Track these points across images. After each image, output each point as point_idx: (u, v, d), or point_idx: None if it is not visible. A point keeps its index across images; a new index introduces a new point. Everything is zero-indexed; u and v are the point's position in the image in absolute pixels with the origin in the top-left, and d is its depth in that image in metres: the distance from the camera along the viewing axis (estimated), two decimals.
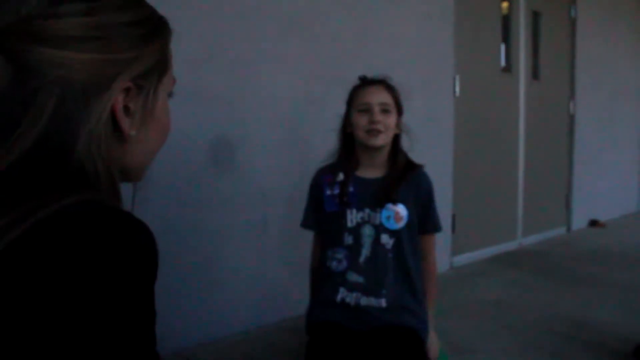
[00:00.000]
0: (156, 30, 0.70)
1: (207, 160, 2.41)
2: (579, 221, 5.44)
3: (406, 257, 1.71)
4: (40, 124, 0.59)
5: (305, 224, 1.85)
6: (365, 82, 1.77)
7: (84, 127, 0.61)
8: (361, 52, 3.01)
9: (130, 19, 0.66)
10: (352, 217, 1.71)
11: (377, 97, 1.70)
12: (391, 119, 1.70)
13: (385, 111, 1.70)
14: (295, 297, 2.41)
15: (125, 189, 0.70)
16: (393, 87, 1.75)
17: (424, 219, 1.77)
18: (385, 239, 1.69)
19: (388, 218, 1.69)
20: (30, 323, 0.52)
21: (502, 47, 4.39)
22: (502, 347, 2.39)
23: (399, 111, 1.75)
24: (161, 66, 0.71)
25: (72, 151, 0.61)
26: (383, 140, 1.70)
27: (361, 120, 1.70)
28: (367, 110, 1.69)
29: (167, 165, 2.23)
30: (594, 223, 5.56)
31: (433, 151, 3.57)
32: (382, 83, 1.75)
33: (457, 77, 3.78)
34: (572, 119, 5.27)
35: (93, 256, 0.54)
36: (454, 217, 3.84)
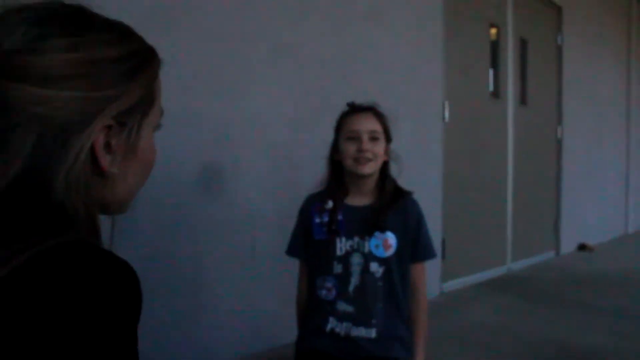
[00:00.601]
0: (143, 63, 0.69)
1: (195, 185, 2.39)
2: (568, 245, 5.46)
3: (396, 286, 1.69)
4: (18, 162, 0.58)
5: (290, 252, 1.83)
6: (354, 109, 1.75)
7: (62, 165, 0.59)
8: (350, 78, 3.03)
9: (116, 54, 0.65)
10: (342, 245, 1.69)
11: (366, 124, 1.69)
12: (380, 147, 1.69)
13: (374, 139, 1.68)
14: (284, 325, 2.37)
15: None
16: (382, 114, 1.74)
17: (414, 247, 1.74)
18: (375, 267, 1.67)
19: (377, 247, 1.67)
20: None
21: (491, 73, 4.44)
22: None
23: (388, 138, 1.74)
24: (147, 101, 0.69)
25: (51, 190, 0.59)
26: (371, 168, 1.68)
27: (349, 148, 1.68)
28: (356, 138, 1.67)
29: (155, 190, 2.21)
30: (582, 247, 5.57)
31: (423, 176, 3.58)
32: (371, 110, 1.73)
33: (446, 103, 3.81)
34: (559, 143, 5.32)
35: (74, 301, 0.53)
36: (443, 242, 3.83)
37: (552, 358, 2.53)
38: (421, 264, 1.78)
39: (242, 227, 2.56)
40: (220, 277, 2.48)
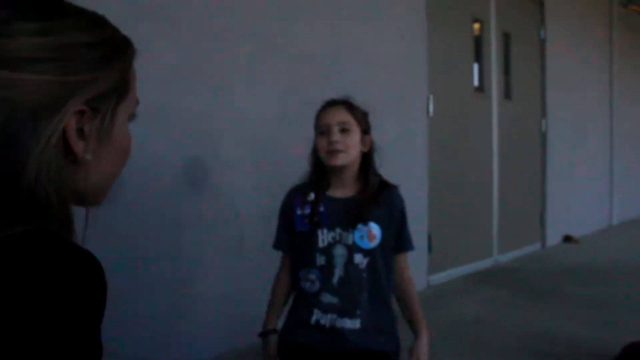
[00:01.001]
0: (117, 51, 0.68)
1: (180, 181, 2.39)
2: (553, 237, 5.51)
3: (380, 277, 1.71)
4: None
5: (278, 246, 1.84)
6: (326, 105, 1.77)
7: (32, 150, 0.58)
8: (335, 72, 3.04)
9: (88, 39, 0.64)
10: (324, 237, 1.70)
11: (336, 117, 1.70)
12: (352, 138, 1.69)
13: (344, 130, 1.68)
14: None
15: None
16: (354, 106, 1.74)
17: (399, 238, 1.76)
18: (359, 258, 1.68)
19: (361, 237, 1.68)
20: None
21: (475, 67, 4.46)
22: None
23: (365, 129, 1.74)
24: (121, 88, 0.69)
25: (20, 176, 0.58)
26: (343, 159, 1.68)
27: (322, 142, 1.70)
28: (327, 131, 1.69)
29: (140, 186, 2.21)
30: (568, 239, 5.63)
31: (408, 170, 3.60)
32: (342, 103, 1.73)
33: (431, 97, 3.83)
34: (544, 136, 5.36)
35: (33, 293, 0.52)
36: (429, 236, 3.85)
37: (538, 349, 2.56)
38: (405, 254, 1.81)
39: (227, 223, 2.56)
40: (206, 272, 2.48)
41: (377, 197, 1.72)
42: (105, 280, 0.59)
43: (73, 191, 0.66)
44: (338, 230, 1.69)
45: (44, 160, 0.59)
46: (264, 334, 1.81)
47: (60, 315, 0.53)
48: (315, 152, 1.77)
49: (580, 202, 5.98)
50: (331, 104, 1.75)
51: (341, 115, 1.70)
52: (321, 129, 1.72)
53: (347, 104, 1.73)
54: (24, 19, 0.60)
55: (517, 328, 2.88)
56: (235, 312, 2.59)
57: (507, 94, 4.87)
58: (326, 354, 1.66)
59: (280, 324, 1.83)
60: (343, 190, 1.75)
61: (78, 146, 0.64)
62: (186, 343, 2.41)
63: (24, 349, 0.51)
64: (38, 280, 0.53)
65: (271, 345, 1.78)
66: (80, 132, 0.64)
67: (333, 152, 1.68)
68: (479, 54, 4.48)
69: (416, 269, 3.83)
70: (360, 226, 1.68)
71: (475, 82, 4.48)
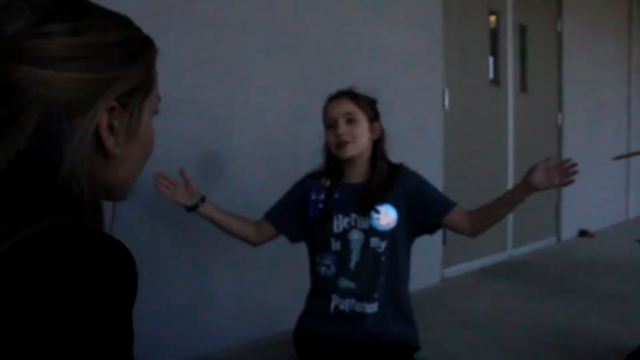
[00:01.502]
0: (141, 50, 0.71)
1: (195, 174, 2.39)
2: (569, 231, 5.47)
3: (399, 260, 1.72)
4: (22, 141, 0.59)
5: (268, 214, 1.89)
6: (330, 98, 1.78)
7: (68, 146, 0.61)
8: (349, 66, 3.04)
9: (114, 39, 0.67)
10: (339, 222, 1.71)
11: (340, 109, 1.70)
12: (359, 128, 1.70)
13: (351, 121, 1.69)
14: (287, 310, 2.40)
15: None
16: (358, 95, 1.74)
17: (432, 205, 1.75)
18: (376, 242, 1.69)
19: (377, 220, 1.69)
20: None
21: (491, 60, 4.43)
22: (494, 359, 2.39)
23: (372, 117, 1.74)
24: (146, 85, 0.72)
25: (56, 170, 0.60)
26: (353, 150, 1.70)
27: (330, 136, 1.72)
28: (334, 124, 1.71)
29: (154, 179, 2.22)
30: (583, 233, 5.59)
31: (423, 164, 3.58)
32: (346, 94, 1.74)
33: (446, 91, 3.81)
34: (560, 130, 5.32)
35: (70, 281, 0.54)
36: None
37: (553, 343, 2.55)
38: (453, 210, 1.75)
39: (242, 215, 2.57)
40: (220, 265, 2.50)
41: (391, 181, 1.72)
42: (136, 270, 0.61)
43: (102, 185, 0.69)
44: (353, 215, 1.70)
45: (78, 155, 0.62)
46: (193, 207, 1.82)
47: (94, 304, 0.55)
48: (327, 146, 1.79)
49: (596, 196, 5.93)
50: (335, 96, 1.76)
51: (346, 106, 1.70)
52: (328, 123, 1.73)
53: (351, 94, 1.73)
54: (55, 20, 0.62)
55: (532, 321, 2.87)
56: (249, 304, 2.61)
57: (523, 86, 4.83)
58: (343, 347, 1.67)
59: (216, 212, 1.87)
60: (357, 177, 1.76)
61: (109, 141, 0.67)
62: (201, 335, 2.43)
63: (60, 336, 0.52)
64: (74, 271, 0.55)
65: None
66: (111, 127, 0.67)
67: (341, 145, 1.69)
68: (494, 47, 4.45)
69: (430, 262, 3.86)
70: (376, 208, 1.69)
71: (491, 75, 4.45)
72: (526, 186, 1.66)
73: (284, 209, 1.85)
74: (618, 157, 2.87)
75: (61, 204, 0.60)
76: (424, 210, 1.75)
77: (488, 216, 1.74)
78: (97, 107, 0.64)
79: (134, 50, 0.70)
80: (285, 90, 2.74)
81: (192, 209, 1.79)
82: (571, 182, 1.60)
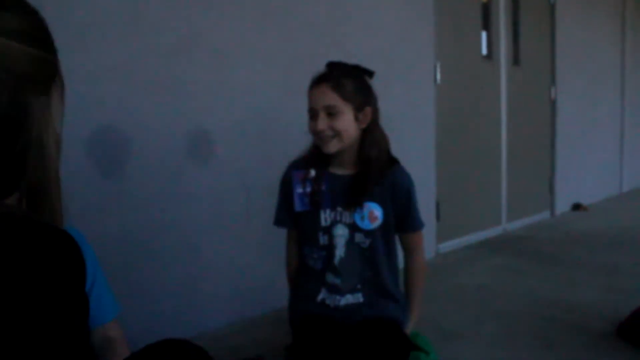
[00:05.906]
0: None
1: (186, 153, 2.38)
2: (563, 205, 5.49)
3: (381, 256, 1.68)
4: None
5: (278, 222, 1.80)
6: (312, 83, 1.64)
7: (27, 130, 0.61)
8: (340, 41, 3.00)
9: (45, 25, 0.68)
10: (326, 215, 1.65)
11: (320, 100, 1.58)
12: (342, 121, 1.57)
13: (332, 114, 1.57)
14: (278, 289, 2.40)
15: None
16: (340, 82, 1.57)
17: (404, 218, 1.70)
18: (360, 237, 1.65)
19: (362, 218, 1.63)
20: None
21: (483, 34, 4.39)
22: (489, 332, 2.41)
23: (361, 104, 1.61)
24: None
25: (12, 150, 0.60)
26: (336, 145, 1.60)
27: (312, 126, 1.61)
28: (314, 115, 1.60)
29: (146, 159, 2.21)
30: (577, 207, 5.61)
31: (415, 139, 3.58)
32: (327, 82, 1.58)
33: (438, 65, 3.78)
34: (553, 104, 5.30)
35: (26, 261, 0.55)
36: (438, 204, 3.85)
37: (547, 316, 2.57)
38: (415, 233, 1.76)
39: (235, 193, 2.56)
40: (213, 243, 2.49)
41: (381, 175, 1.64)
42: (79, 250, 0.61)
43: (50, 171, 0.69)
44: (339, 209, 1.64)
45: (34, 138, 0.63)
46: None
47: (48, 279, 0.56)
48: None
49: (590, 169, 5.94)
50: (316, 81, 1.62)
51: (327, 98, 1.57)
52: (309, 112, 1.62)
53: (334, 82, 1.58)
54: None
55: (526, 294, 2.89)
56: (243, 282, 2.61)
57: (516, 60, 4.79)
58: (338, 324, 1.66)
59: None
60: (344, 168, 1.68)
61: (59, 127, 0.69)
62: (195, 313, 2.43)
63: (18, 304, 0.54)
64: (28, 255, 0.56)
65: None
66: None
67: (323, 140, 1.59)
68: (487, 21, 4.41)
69: (425, 238, 3.83)
70: (362, 206, 1.63)
71: (484, 49, 4.41)
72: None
73: (285, 208, 1.77)
74: None
75: (10, 186, 0.61)
76: (399, 218, 1.70)
77: (406, 288, 1.81)
78: (52, 91, 0.66)
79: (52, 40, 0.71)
80: (275, 66, 2.70)
81: None
82: None
